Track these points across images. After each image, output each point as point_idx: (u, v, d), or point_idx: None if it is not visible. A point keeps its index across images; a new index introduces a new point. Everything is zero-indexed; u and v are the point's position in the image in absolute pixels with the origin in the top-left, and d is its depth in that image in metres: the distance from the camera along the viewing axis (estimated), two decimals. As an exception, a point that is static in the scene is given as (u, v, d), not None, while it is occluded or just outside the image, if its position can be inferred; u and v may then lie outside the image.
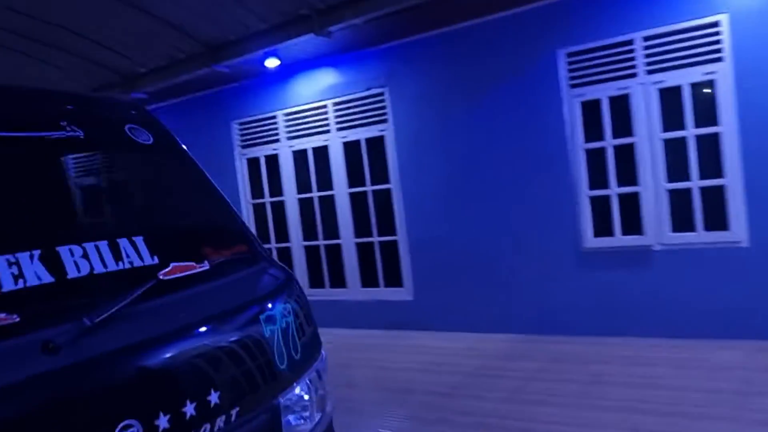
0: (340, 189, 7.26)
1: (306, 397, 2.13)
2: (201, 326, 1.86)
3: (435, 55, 6.41)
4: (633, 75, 5.46)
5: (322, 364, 2.35)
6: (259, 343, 1.99)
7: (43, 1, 5.78)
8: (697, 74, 5.21)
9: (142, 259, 1.86)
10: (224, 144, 8.07)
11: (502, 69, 6.02)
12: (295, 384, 2.09)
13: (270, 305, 2.10)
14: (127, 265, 1.81)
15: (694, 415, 3.89)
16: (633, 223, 5.59)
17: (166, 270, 1.87)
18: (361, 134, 7.04)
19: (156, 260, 1.89)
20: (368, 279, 7.22)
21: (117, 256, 1.79)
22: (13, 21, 5.99)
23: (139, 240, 1.88)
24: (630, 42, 5.43)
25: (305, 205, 7.61)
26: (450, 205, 6.47)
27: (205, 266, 2.02)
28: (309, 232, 7.62)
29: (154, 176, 2.41)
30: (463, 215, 6.40)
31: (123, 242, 1.83)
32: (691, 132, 5.29)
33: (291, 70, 7.28)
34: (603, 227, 5.75)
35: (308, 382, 2.18)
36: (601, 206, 5.74)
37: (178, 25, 5.97)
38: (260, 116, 7.76)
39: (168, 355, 1.72)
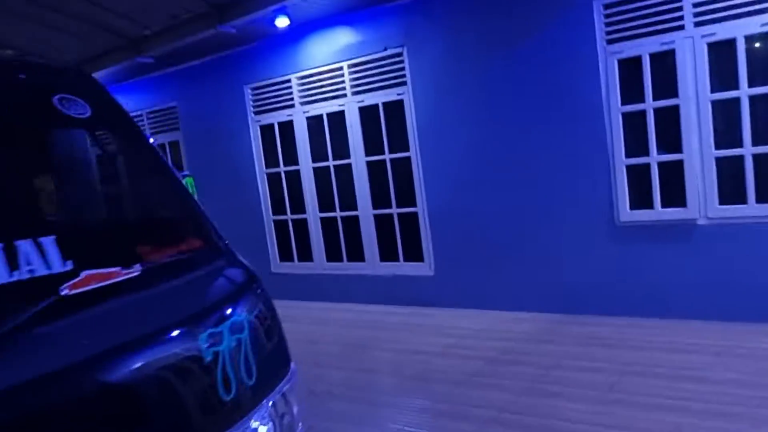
0: (357, 157, 6.83)
1: (264, 429, 1.74)
2: (116, 355, 1.46)
3: (457, 10, 5.85)
4: (679, 28, 4.84)
5: (290, 383, 1.95)
6: (194, 371, 1.59)
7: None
8: (753, 25, 4.57)
9: (48, 266, 1.47)
10: (237, 110, 7.69)
11: (531, 24, 5.44)
12: (249, 415, 1.70)
13: (217, 319, 1.70)
14: (25, 275, 1.43)
15: (744, 418, 3.42)
16: (675, 195, 5.04)
17: (76, 281, 1.47)
18: (378, 98, 6.56)
19: (69, 266, 1.50)
20: (387, 253, 6.82)
21: (12, 264, 1.41)
22: None
23: (48, 241, 1.50)
24: (676, -10, 4.80)
25: (321, 175, 7.21)
26: (473, 174, 5.99)
27: (135, 272, 1.62)
28: (325, 203, 7.24)
29: (84, 158, 2.01)
30: (487, 185, 5.92)
31: (24, 245, 1.45)
32: (744, 92, 4.67)
33: (304, 30, 6.80)
34: (641, 199, 5.21)
35: (270, 408, 1.79)
36: (639, 176, 5.19)
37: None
38: (274, 80, 7.33)
39: (67, 397, 1.33)
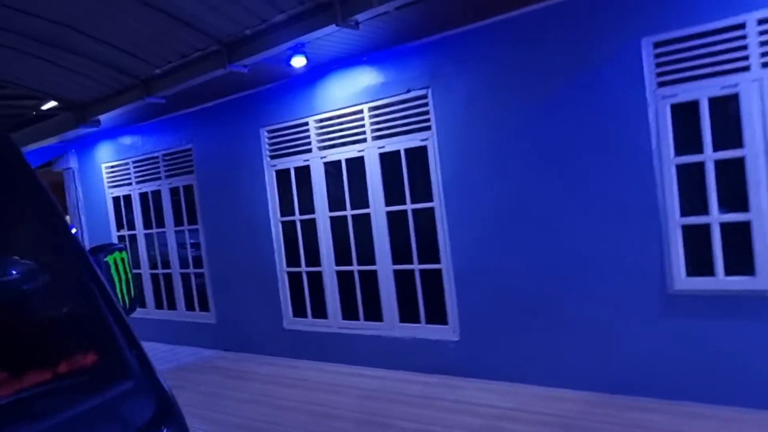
0: (377, 207, 6.26)
1: None
2: None
3: (486, 49, 5.32)
4: (743, 69, 4.19)
5: None
6: None
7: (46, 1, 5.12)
8: (834, 66, 3.91)
9: None
10: (252, 153, 7.24)
11: (570, 64, 4.86)
12: None
13: None
14: None
15: None
16: (741, 261, 4.31)
17: None
18: (400, 143, 6.02)
19: None
20: (407, 313, 6.18)
21: None
22: (31, 25, 5.38)
23: None
24: (740, 26, 4.17)
25: (338, 225, 6.66)
26: (504, 229, 5.36)
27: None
28: (342, 256, 6.66)
29: None
30: (520, 242, 5.27)
31: None
32: (825, 143, 3.98)
33: (322, 70, 6.36)
34: (699, 264, 4.49)
35: None
36: (697, 237, 4.49)
37: (185, 19, 5.17)
38: (290, 123, 6.88)
39: None
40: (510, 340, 5.40)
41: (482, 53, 5.34)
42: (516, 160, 5.22)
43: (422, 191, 5.94)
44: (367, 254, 6.42)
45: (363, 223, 6.41)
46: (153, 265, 8.95)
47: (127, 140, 8.89)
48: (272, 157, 7.13)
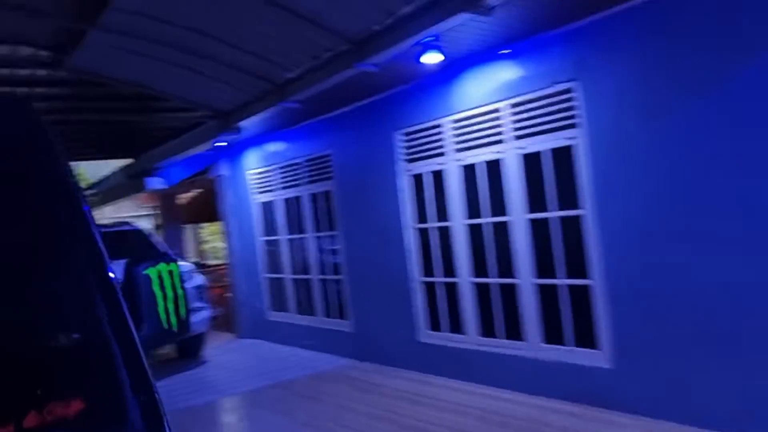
0: (517, 214, 5.68)
1: None
2: None
3: (644, 34, 4.55)
4: None
5: None
6: None
7: (178, 10, 5.25)
8: None
9: None
10: (387, 158, 6.98)
11: (748, 45, 3.97)
12: None
13: None
14: None
15: None
16: None
17: None
18: (543, 144, 5.40)
19: None
20: (552, 332, 5.52)
21: None
22: (173, 34, 5.59)
23: None
24: None
25: (475, 233, 6.16)
26: (669, 238, 4.54)
27: None
28: (480, 267, 6.15)
29: None
30: (692, 253, 4.43)
31: None
32: None
33: (457, 67, 5.92)
34: None
35: None
36: None
37: (311, 17, 5.00)
38: (425, 125, 6.51)
39: None
40: (680, 372, 4.56)
41: (638, 38, 4.58)
42: (685, 160, 4.39)
43: (569, 197, 5.27)
44: (506, 266, 5.86)
45: (502, 231, 5.86)
46: (295, 271, 9.05)
47: (271, 147, 9.09)
48: (407, 162, 6.81)
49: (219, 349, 9.57)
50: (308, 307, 8.84)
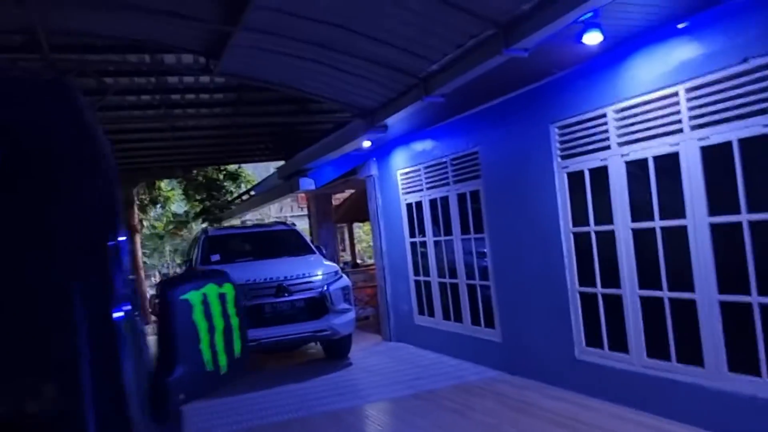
0: (697, 217, 4.81)
1: None
2: None
3: None
4: None
5: None
6: None
7: (317, 4, 5.13)
8: None
9: None
10: (541, 154, 6.35)
11: None
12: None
13: None
14: None
15: None
16: None
17: None
18: (732, 133, 4.49)
19: None
20: (741, 360, 4.58)
21: None
22: (311, 31, 5.53)
23: None
24: None
25: (643, 239, 5.34)
26: None
27: None
28: (648, 278, 5.32)
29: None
30: None
31: None
32: None
33: (622, 49, 5.17)
34: None
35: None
36: None
37: (452, 1, 4.58)
38: (584, 116, 5.80)
39: None
40: None
41: None
42: None
43: (764, 196, 4.33)
44: (681, 277, 4.99)
45: (677, 237, 5.00)
46: (441, 274, 8.68)
47: (418, 146, 8.81)
48: (563, 158, 6.14)
49: (365, 351, 9.49)
50: (454, 312, 8.42)
